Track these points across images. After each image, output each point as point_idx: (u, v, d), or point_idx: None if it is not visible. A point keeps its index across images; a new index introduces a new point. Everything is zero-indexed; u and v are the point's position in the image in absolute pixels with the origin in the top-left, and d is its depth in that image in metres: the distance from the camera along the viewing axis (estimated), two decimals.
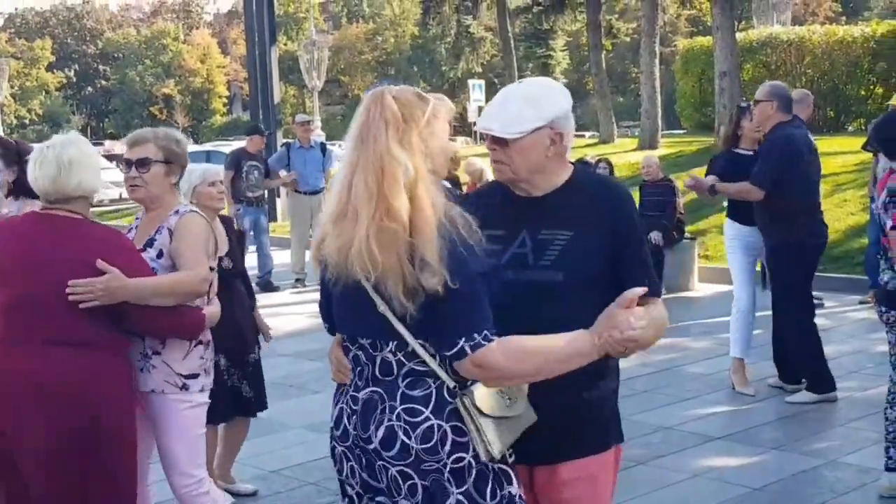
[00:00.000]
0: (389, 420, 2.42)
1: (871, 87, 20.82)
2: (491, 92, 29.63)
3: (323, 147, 12.32)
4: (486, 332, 2.34)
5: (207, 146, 26.51)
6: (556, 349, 2.40)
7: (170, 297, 3.53)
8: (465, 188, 9.84)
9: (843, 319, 9.04)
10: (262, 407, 5.19)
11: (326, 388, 3.49)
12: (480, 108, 23.18)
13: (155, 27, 74.39)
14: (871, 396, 6.51)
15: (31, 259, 3.37)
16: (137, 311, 3.45)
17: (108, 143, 50.89)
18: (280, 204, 14.22)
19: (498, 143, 2.61)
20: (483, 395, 2.41)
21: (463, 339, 2.33)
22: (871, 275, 9.22)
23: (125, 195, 23.09)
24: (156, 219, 3.77)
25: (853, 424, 6.02)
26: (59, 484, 3.30)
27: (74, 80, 74.96)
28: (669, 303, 7.46)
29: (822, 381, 6.51)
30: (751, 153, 6.77)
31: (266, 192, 12.33)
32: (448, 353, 2.36)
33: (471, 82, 26.39)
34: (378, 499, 2.52)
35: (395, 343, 2.43)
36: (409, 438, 2.40)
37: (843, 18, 50.56)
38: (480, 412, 2.39)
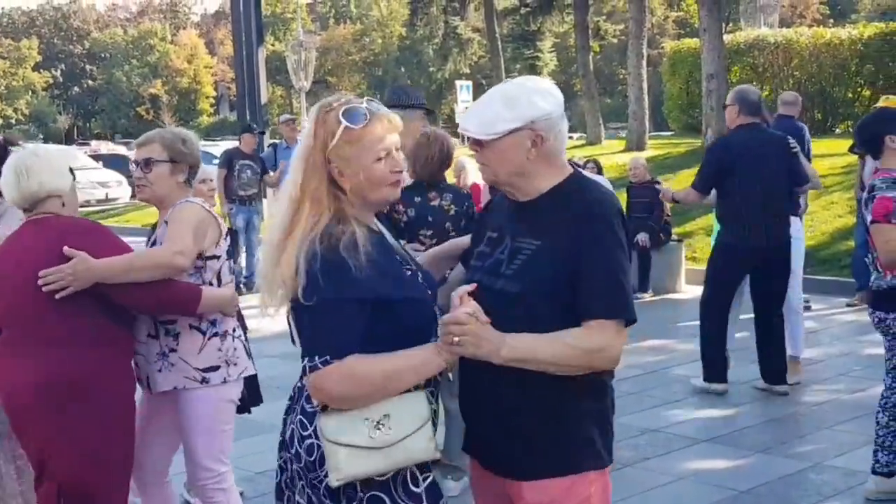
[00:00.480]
0: (292, 423, 2.51)
1: (859, 89, 20.90)
2: (479, 93, 29.59)
3: None
4: (326, 356, 2.31)
5: None
6: (392, 364, 2.34)
7: (142, 271, 3.48)
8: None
9: (830, 322, 9.05)
10: (255, 403, 5.17)
11: None
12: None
13: (142, 27, 74.13)
14: (859, 399, 6.52)
15: (14, 263, 3.49)
16: (120, 291, 3.46)
17: (94, 143, 50.72)
18: (266, 204, 14.20)
19: (478, 144, 2.56)
20: (335, 420, 2.35)
21: (306, 360, 2.36)
22: (858, 277, 9.25)
23: (112, 195, 22.88)
24: (164, 218, 3.84)
25: (840, 427, 6.02)
26: (62, 471, 3.44)
27: (61, 79, 74.65)
28: (656, 305, 7.51)
29: (711, 370, 6.73)
30: None
31: (258, 191, 12.31)
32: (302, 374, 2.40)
33: (458, 83, 26.31)
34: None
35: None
36: (301, 448, 2.46)
37: (831, 21, 50.73)
38: (326, 437, 2.36)
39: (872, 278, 4.74)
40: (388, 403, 2.36)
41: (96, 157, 28.59)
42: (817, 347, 8.04)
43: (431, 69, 52.95)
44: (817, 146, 14.73)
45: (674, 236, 11.22)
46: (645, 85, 21.50)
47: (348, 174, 2.42)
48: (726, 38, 20.10)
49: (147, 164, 3.74)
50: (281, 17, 67.99)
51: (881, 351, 4.97)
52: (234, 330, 3.84)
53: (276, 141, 14.09)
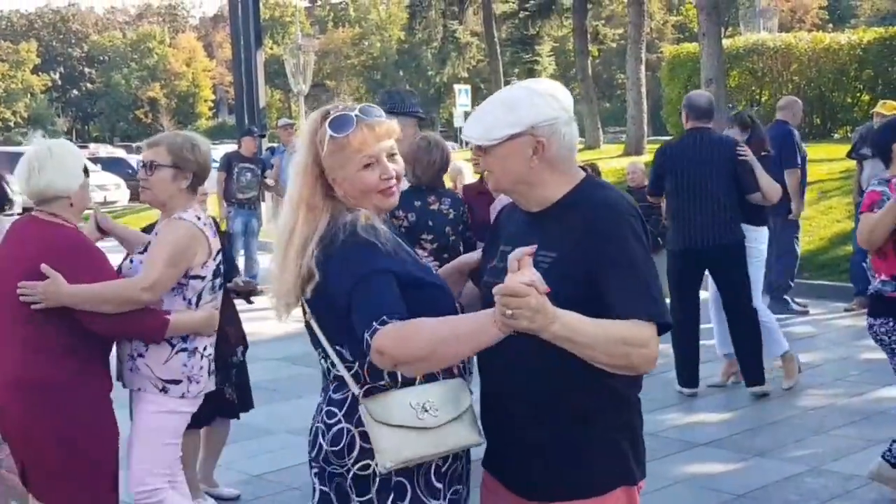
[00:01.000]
0: (316, 422, 2.48)
1: (858, 94, 20.93)
2: (477, 97, 29.67)
3: None
4: (383, 317, 2.24)
5: None
6: (450, 327, 2.24)
7: (104, 304, 3.51)
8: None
9: (828, 327, 9.05)
10: (246, 408, 5.17)
11: (310, 393, 3.46)
12: (467, 114, 23.20)
13: (140, 30, 74.16)
14: (856, 404, 6.52)
15: (2, 263, 3.57)
16: (86, 316, 3.51)
17: (92, 146, 50.67)
18: (264, 208, 14.24)
19: (481, 151, 2.49)
20: (386, 403, 2.34)
21: (365, 332, 2.26)
22: (856, 282, 9.25)
23: (110, 198, 22.83)
24: (159, 227, 3.83)
25: (837, 431, 6.02)
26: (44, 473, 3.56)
27: (60, 82, 74.67)
28: None
29: (681, 373, 6.82)
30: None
31: (257, 194, 12.32)
32: (364, 353, 2.30)
33: (457, 87, 26.40)
34: None
35: (321, 350, 2.47)
36: (324, 440, 2.43)
37: (830, 26, 50.80)
38: (374, 418, 2.33)
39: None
40: (430, 389, 2.37)
41: (95, 160, 28.60)
42: (815, 352, 8.04)
43: (430, 73, 53.02)
44: (816, 151, 14.75)
45: None
46: (643, 89, 21.52)
47: (339, 182, 2.44)
48: (725, 42, 20.11)
49: (150, 167, 3.73)
50: (279, 20, 68.05)
51: (879, 356, 4.97)
52: (205, 348, 3.76)
53: (274, 144, 14.11)
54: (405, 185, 3.30)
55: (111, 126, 69.91)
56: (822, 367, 7.58)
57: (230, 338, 4.96)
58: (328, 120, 2.42)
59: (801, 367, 7.10)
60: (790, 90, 19.50)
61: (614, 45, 43.88)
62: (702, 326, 6.88)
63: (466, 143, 2.54)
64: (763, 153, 7.10)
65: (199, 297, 3.73)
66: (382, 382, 2.39)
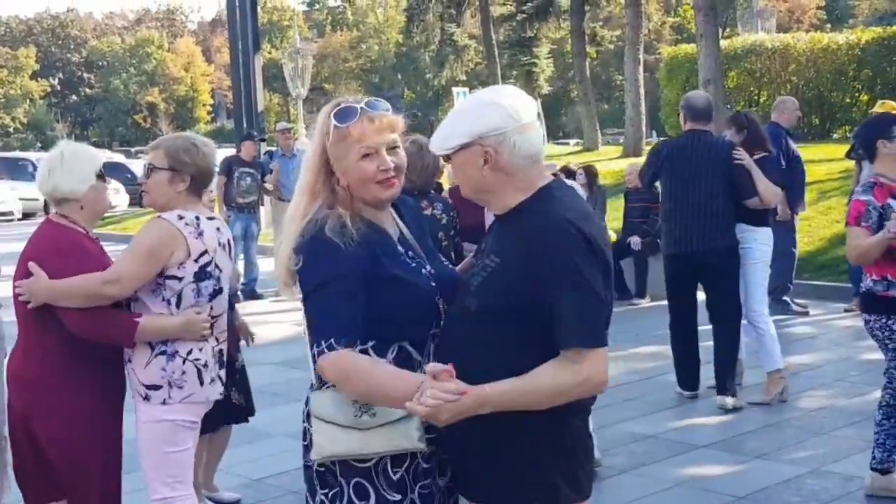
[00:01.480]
0: (302, 421, 2.60)
1: (857, 94, 20.94)
2: None
3: None
4: (331, 340, 2.38)
5: None
6: (377, 382, 2.37)
7: (72, 298, 3.57)
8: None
9: (828, 327, 9.05)
10: (251, 413, 5.17)
11: None
12: None
13: (139, 35, 74.14)
14: (856, 404, 6.51)
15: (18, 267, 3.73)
16: (64, 313, 3.59)
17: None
18: (264, 212, 14.26)
19: (447, 159, 2.56)
20: (326, 398, 2.45)
21: (315, 347, 2.42)
22: (855, 282, 9.24)
23: (110, 203, 22.96)
24: None
25: (838, 433, 6.01)
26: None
27: (59, 88, 74.63)
28: (653, 310, 7.49)
29: (681, 375, 6.80)
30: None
31: (257, 198, 12.31)
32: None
33: (455, 90, 26.30)
34: None
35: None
36: (303, 437, 2.57)
37: (828, 26, 50.80)
38: (312, 411, 2.46)
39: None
40: None
41: None
42: (815, 353, 8.04)
43: (428, 76, 52.96)
44: (815, 151, 14.77)
45: None
46: (642, 91, 21.53)
47: (341, 171, 2.52)
48: (723, 43, 20.13)
49: (149, 170, 3.73)
50: (277, 24, 68.03)
51: (879, 356, 4.97)
52: (188, 353, 3.67)
53: (273, 149, 14.10)
54: None
55: (110, 131, 69.86)
56: (823, 367, 7.57)
57: (229, 341, 4.94)
58: (334, 110, 2.51)
59: (799, 370, 7.07)
60: (788, 90, 19.50)
61: (612, 46, 43.86)
62: (702, 328, 6.83)
63: None
64: (764, 153, 6.88)
65: (180, 299, 3.64)
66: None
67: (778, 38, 22.23)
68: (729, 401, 6.47)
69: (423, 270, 2.55)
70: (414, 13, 36.47)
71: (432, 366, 2.32)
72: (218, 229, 3.77)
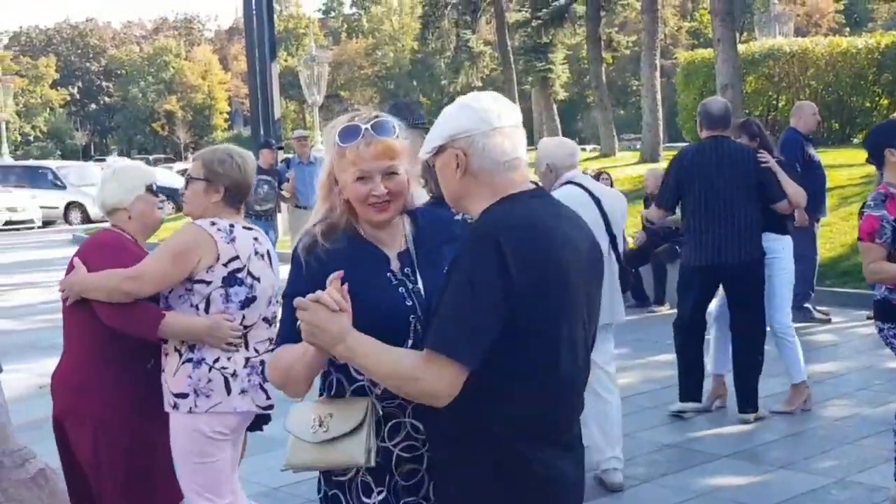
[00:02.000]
0: None
1: (877, 98, 20.79)
2: None
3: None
4: (274, 345, 2.54)
5: None
6: (290, 354, 2.43)
7: (97, 291, 3.69)
8: None
9: (850, 335, 8.94)
10: (266, 421, 5.13)
11: None
12: None
13: (157, 44, 74.66)
14: (881, 413, 6.41)
15: None
16: (97, 305, 3.72)
17: (110, 159, 50.91)
18: (281, 219, 14.33)
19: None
20: (295, 411, 2.52)
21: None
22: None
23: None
24: None
25: (862, 442, 5.92)
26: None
27: (78, 96, 75.23)
28: (672, 318, 7.38)
29: (684, 388, 6.53)
30: None
31: (274, 206, 12.34)
32: None
33: None
34: None
35: None
36: None
37: (847, 30, 50.59)
38: (285, 424, 2.52)
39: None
40: (334, 404, 2.47)
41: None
42: (838, 361, 7.94)
43: (443, 82, 53.06)
44: (835, 156, 14.65)
45: None
46: (658, 96, 21.45)
47: (341, 186, 2.53)
48: (741, 47, 20.03)
49: (187, 180, 3.82)
50: (293, 32, 68.35)
51: None
52: (215, 361, 3.67)
53: (290, 156, 14.13)
54: (426, 197, 3.26)
55: (129, 139, 70.36)
56: (846, 376, 7.47)
57: None
58: (339, 128, 2.51)
59: (822, 378, 6.98)
60: (807, 95, 19.37)
61: (628, 51, 43.83)
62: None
63: None
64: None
65: (208, 304, 3.65)
66: (324, 394, 2.55)
67: (796, 43, 22.08)
68: (751, 416, 6.38)
69: (402, 290, 2.49)
70: (429, 20, 36.57)
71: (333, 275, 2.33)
72: (256, 239, 3.78)
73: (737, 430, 6.28)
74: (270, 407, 3.82)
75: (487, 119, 2.36)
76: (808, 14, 54.96)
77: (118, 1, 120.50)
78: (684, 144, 26.53)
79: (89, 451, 3.77)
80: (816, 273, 9.61)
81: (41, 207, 26.17)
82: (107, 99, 74.47)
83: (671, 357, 8.01)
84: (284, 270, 7.60)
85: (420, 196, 2.89)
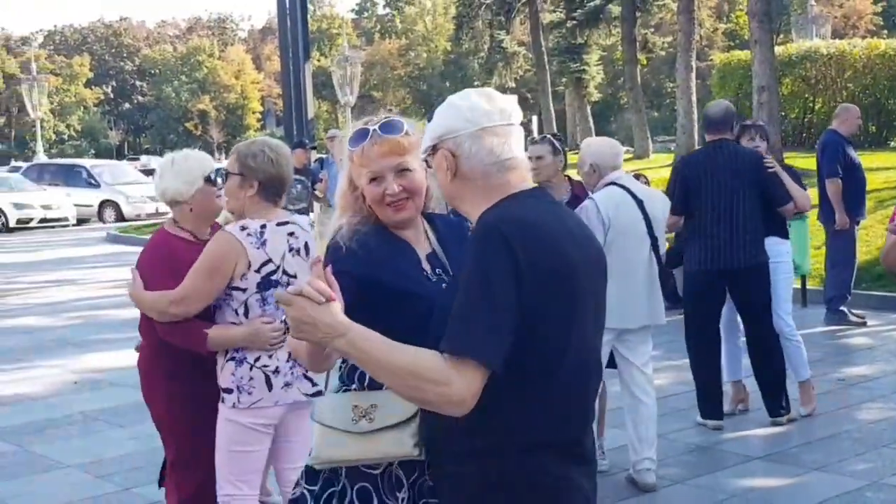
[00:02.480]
0: None
1: None
2: (524, 107, 29.56)
3: None
4: None
5: None
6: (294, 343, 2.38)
7: (150, 312, 3.89)
8: None
9: (886, 339, 8.84)
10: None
11: None
12: None
13: (190, 44, 75.20)
14: None
15: None
16: (154, 322, 3.91)
17: (144, 158, 51.36)
18: (313, 218, 14.43)
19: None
20: (327, 403, 2.48)
21: None
22: None
23: (161, 209, 23.34)
24: None
25: None
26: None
27: (112, 96, 75.93)
28: None
29: (705, 404, 6.32)
30: None
31: (307, 205, 12.40)
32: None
33: None
34: None
35: None
36: None
37: (885, 32, 50.04)
38: (313, 416, 2.46)
39: None
40: (376, 395, 2.38)
41: (146, 172, 28.98)
42: (873, 364, 7.86)
43: (476, 83, 52.99)
44: (872, 159, 14.50)
45: None
46: (694, 98, 21.33)
47: (360, 189, 2.54)
48: (777, 49, 19.88)
49: (225, 175, 3.83)
50: (327, 32, 68.60)
51: None
52: (256, 359, 3.74)
53: (323, 155, 14.20)
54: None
55: (162, 138, 70.89)
56: (881, 379, 7.39)
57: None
58: (351, 133, 2.54)
59: (856, 381, 6.90)
60: (844, 97, 19.20)
61: (663, 53, 43.63)
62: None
63: None
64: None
65: (247, 309, 3.73)
66: (353, 385, 2.50)
67: (833, 45, 21.90)
68: (784, 419, 6.31)
69: (441, 287, 2.44)
70: (463, 20, 36.59)
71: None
72: (291, 234, 3.76)
73: (770, 433, 6.23)
74: (318, 393, 3.80)
75: (474, 119, 2.24)
76: (846, 16, 54.42)
77: (152, 0, 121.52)
78: None
79: (167, 429, 4.08)
80: (854, 276, 9.51)
81: (75, 205, 26.41)
82: (140, 98, 75.12)
83: None
84: None
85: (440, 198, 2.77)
